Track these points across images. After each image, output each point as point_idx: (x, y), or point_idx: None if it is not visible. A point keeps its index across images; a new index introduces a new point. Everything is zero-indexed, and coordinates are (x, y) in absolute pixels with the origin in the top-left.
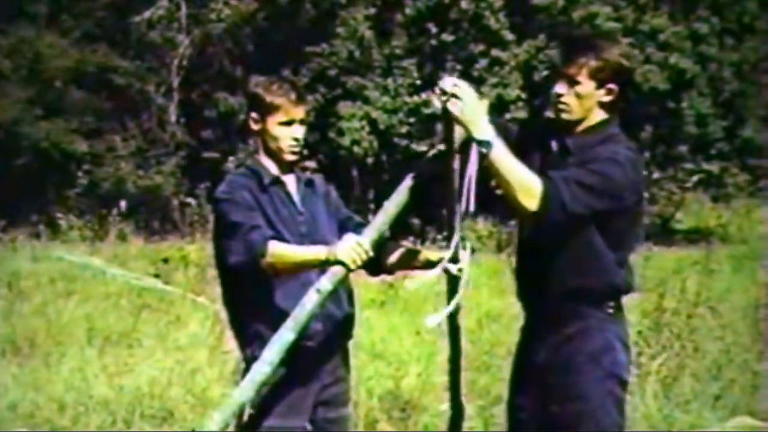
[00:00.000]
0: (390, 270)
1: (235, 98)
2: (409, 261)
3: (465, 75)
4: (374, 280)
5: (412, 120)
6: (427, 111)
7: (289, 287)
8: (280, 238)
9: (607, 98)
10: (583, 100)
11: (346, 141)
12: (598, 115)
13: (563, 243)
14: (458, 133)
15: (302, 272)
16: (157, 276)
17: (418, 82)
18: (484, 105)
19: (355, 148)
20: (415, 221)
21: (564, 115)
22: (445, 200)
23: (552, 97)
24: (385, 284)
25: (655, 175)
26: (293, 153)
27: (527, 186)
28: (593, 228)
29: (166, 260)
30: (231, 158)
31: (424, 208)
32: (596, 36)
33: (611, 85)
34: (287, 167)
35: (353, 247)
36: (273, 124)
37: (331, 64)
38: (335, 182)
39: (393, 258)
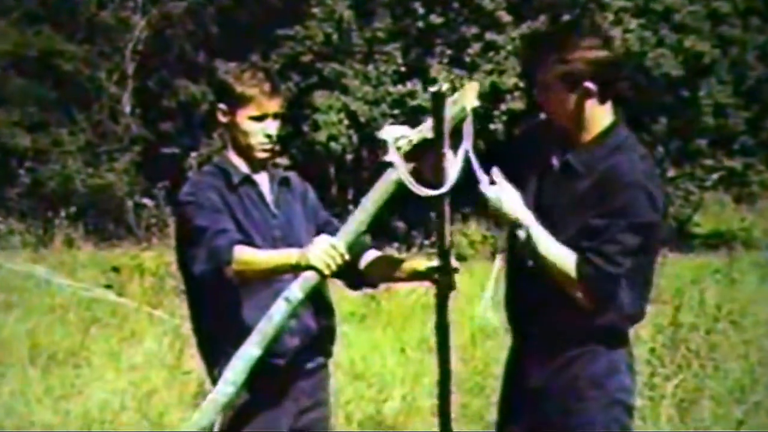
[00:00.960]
0: (371, 282)
1: (197, 86)
2: (393, 271)
3: (456, 61)
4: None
5: (396, 112)
6: (413, 102)
7: (262, 298)
8: (251, 243)
9: (589, 99)
10: (561, 106)
11: (321, 136)
12: (602, 118)
13: None
14: (448, 123)
15: (274, 279)
16: (108, 287)
17: (403, 69)
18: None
19: (333, 144)
20: (400, 224)
21: (556, 122)
22: (433, 199)
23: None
24: (367, 296)
25: (670, 172)
26: (265, 151)
27: (567, 277)
28: None
29: (118, 269)
30: (193, 154)
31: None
32: (560, 30)
33: (588, 85)
34: (259, 165)
35: (326, 249)
36: (243, 118)
37: (305, 48)
38: (309, 182)
39: (374, 268)
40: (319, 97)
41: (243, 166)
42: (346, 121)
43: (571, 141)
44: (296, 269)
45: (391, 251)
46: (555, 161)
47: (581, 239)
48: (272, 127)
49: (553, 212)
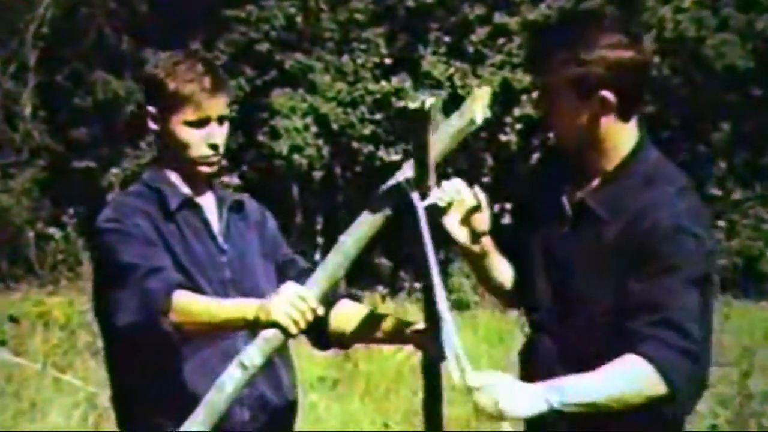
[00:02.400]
0: (342, 341)
1: (120, 82)
2: (371, 329)
3: (456, 51)
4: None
5: (378, 117)
6: (401, 104)
7: (206, 359)
8: (194, 287)
9: (606, 114)
10: (570, 121)
11: (282, 146)
12: (625, 140)
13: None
14: (435, 151)
15: (223, 336)
16: (2, 343)
17: (388, 61)
18: (513, 383)
19: (296, 157)
20: (384, 262)
21: (562, 143)
22: (415, 243)
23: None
24: (340, 356)
25: (736, 194)
26: (210, 165)
27: (632, 397)
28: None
29: (16, 319)
30: (114, 170)
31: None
32: (575, 20)
33: (605, 93)
34: (203, 184)
35: (294, 301)
36: (179, 124)
37: (261, 35)
38: (268, 207)
39: (347, 324)
40: (279, 97)
41: (182, 186)
42: (313, 128)
43: (586, 172)
44: (254, 326)
45: (373, 297)
46: (565, 201)
47: (626, 313)
48: (217, 134)
49: (571, 276)
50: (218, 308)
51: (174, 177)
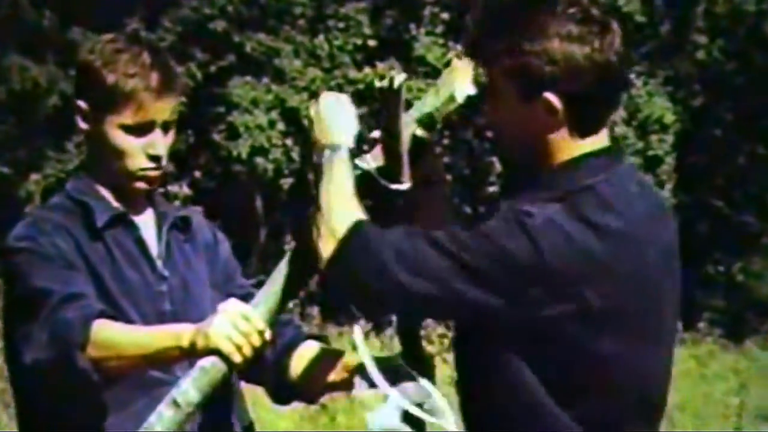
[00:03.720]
0: (306, 393)
1: (41, 68)
2: (343, 376)
3: (454, 31)
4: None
5: (362, 111)
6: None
7: (134, 401)
8: (123, 320)
9: (549, 121)
10: (510, 125)
11: (242, 147)
12: (566, 150)
13: (483, 376)
14: (407, 135)
15: (160, 382)
16: None
17: (372, 43)
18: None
19: (260, 161)
20: None
21: (502, 152)
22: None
23: None
24: (313, 408)
25: None
26: (147, 180)
27: (337, 221)
28: (516, 359)
29: None
30: (34, 176)
31: None
32: (527, 1)
33: (548, 96)
34: (139, 198)
35: (236, 322)
36: (115, 127)
37: (215, 10)
38: (224, 224)
39: (313, 371)
40: (238, 87)
41: (113, 200)
42: (280, 125)
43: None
44: (190, 354)
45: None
46: None
47: None
48: (161, 144)
49: None
50: (147, 337)
51: (103, 189)
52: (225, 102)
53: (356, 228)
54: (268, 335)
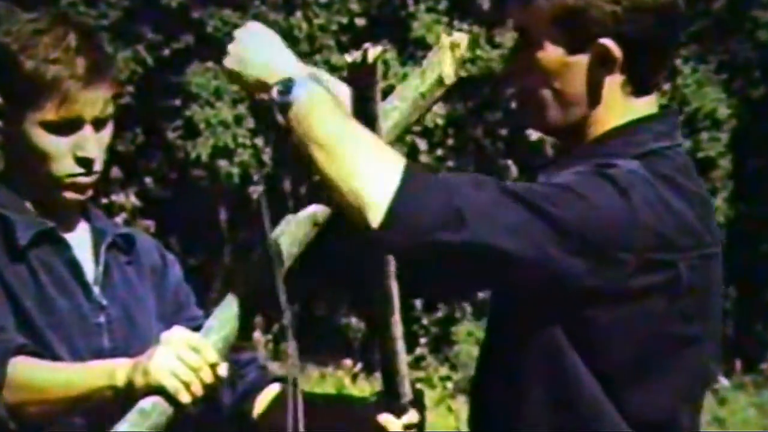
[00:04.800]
0: None
1: None
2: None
3: (458, 6)
4: None
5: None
6: (382, 84)
7: None
8: (51, 356)
9: (603, 71)
10: (549, 83)
11: (201, 148)
12: (620, 112)
13: (523, 348)
14: (388, 122)
15: (80, 417)
16: None
17: (361, 22)
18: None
19: (224, 164)
20: (354, 323)
21: (534, 119)
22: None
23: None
24: None
25: None
26: (77, 189)
27: (376, 169)
28: (556, 327)
29: None
30: None
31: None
32: None
33: (605, 42)
34: (71, 211)
35: (182, 355)
36: (35, 125)
37: None
38: (180, 240)
39: (277, 418)
40: (198, 74)
41: (39, 214)
42: (249, 121)
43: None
44: (127, 395)
45: (337, 375)
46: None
47: None
48: (92, 144)
49: None
50: (74, 376)
51: (27, 200)
52: (181, 93)
53: (409, 171)
54: (222, 370)
